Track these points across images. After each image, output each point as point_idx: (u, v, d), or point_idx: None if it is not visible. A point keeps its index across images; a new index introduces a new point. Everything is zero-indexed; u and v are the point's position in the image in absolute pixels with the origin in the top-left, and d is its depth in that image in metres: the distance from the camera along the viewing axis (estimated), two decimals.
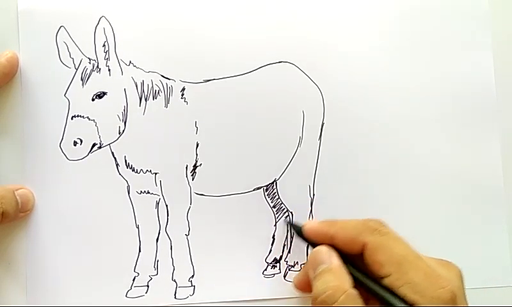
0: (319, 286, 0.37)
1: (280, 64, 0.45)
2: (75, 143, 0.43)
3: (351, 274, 0.37)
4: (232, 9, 0.45)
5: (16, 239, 0.44)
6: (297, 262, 0.45)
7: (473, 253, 0.45)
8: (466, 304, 0.37)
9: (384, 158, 0.45)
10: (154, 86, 0.44)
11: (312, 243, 0.40)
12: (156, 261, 0.44)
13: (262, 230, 0.45)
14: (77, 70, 0.44)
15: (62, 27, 0.44)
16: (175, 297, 0.44)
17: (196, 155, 0.44)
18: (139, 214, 0.44)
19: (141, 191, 0.44)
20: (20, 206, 0.42)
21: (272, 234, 0.45)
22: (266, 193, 0.45)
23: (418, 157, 0.45)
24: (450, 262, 0.38)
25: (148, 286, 0.44)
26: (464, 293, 0.37)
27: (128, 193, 0.44)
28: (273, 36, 0.45)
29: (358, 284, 0.37)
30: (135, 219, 0.44)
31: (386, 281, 0.36)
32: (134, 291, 0.44)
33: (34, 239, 0.44)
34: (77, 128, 0.44)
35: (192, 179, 0.44)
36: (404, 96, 0.46)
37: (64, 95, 0.44)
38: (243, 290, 0.44)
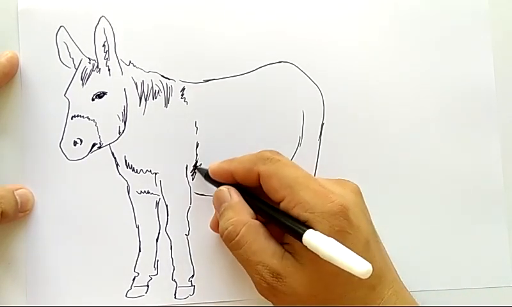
0: (222, 223, 0.39)
1: (280, 64, 0.45)
2: (75, 143, 0.43)
3: (253, 206, 0.39)
4: (232, 9, 0.45)
5: (16, 239, 0.44)
6: None
7: (473, 253, 0.45)
8: (365, 219, 0.38)
9: (384, 158, 0.45)
10: (154, 86, 0.44)
11: (219, 184, 0.41)
12: (156, 261, 0.44)
13: None
14: (77, 70, 0.44)
15: (62, 27, 0.44)
16: (175, 297, 0.44)
17: (196, 155, 0.44)
18: (139, 214, 0.44)
19: (141, 191, 0.44)
20: (19, 206, 0.42)
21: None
22: None
23: (418, 156, 0.45)
24: (346, 180, 0.39)
25: (148, 286, 0.44)
26: (361, 210, 0.38)
27: (128, 193, 0.44)
28: (273, 36, 0.45)
29: (260, 215, 0.39)
30: (135, 219, 0.44)
31: (282, 205, 0.37)
32: (134, 291, 0.44)
33: (34, 239, 0.44)
34: (77, 128, 0.44)
35: (192, 179, 0.44)
36: (404, 96, 0.46)
37: (64, 95, 0.44)
38: (243, 290, 0.44)
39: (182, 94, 0.44)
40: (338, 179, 0.40)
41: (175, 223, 0.44)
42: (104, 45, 0.44)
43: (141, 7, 0.45)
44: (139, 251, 0.44)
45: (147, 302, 0.44)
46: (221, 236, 0.39)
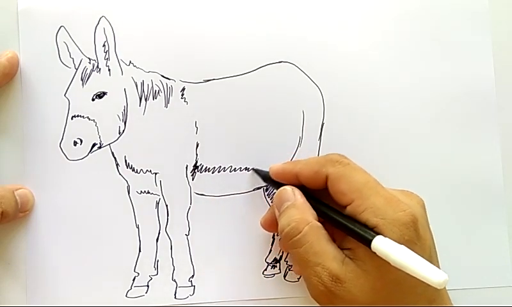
0: (283, 220, 0.38)
1: (280, 64, 0.45)
2: (75, 143, 0.43)
3: (316, 209, 0.39)
4: (232, 9, 0.45)
5: (16, 239, 0.44)
6: None
7: (473, 253, 0.45)
8: (429, 232, 0.37)
9: (384, 158, 0.45)
10: (154, 86, 0.44)
11: (279, 185, 0.41)
12: (156, 261, 0.44)
13: (262, 230, 0.45)
14: (77, 70, 0.44)
15: (62, 27, 0.44)
16: (175, 297, 0.44)
17: (196, 155, 0.44)
18: (139, 214, 0.44)
19: (141, 191, 0.44)
20: (19, 206, 0.42)
21: (272, 234, 0.45)
22: (266, 193, 0.45)
23: (418, 156, 0.45)
24: (412, 192, 0.39)
25: (148, 286, 0.44)
26: (427, 222, 0.38)
27: (128, 193, 0.44)
28: (273, 36, 0.45)
29: (323, 218, 0.38)
30: (135, 219, 0.44)
31: (349, 209, 0.37)
32: (134, 291, 0.44)
33: (34, 239, 0.44)
34: (77, 128, 0.44)
35: (192, 179, 0.44)
36: (404, 96, 0.46)
37: (64, 95, 0.44)
38: (243, 290, 0.44)
39: (182, 94, 0.44)
40: (404, 190, 0.39)
41: (175, 223, 0.44)
42: (104, 45, 0.44)
43: (141, 7, 0.45)
44: (139, 251, 0.44)
45: (147, 302, 0.44)
46: (280, 234, 0.39)
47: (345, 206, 0.37)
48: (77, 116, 0.44)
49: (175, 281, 0.44)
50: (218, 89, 0.45)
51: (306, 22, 0.45)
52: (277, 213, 0.40)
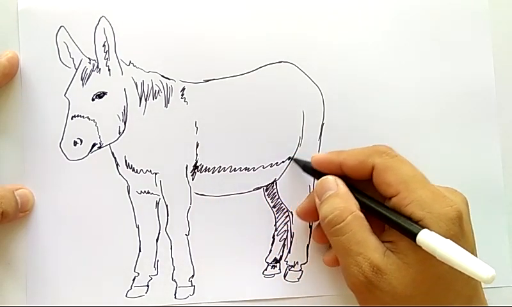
0: (326, 208, 0.38)
1: (280, 64, 0.45)
2: (75, 143, 0.43)
3: (358, 200, 0.39)
4: (232, 9, 0.45)
5: (16, 239, 0.44)
6: (297, 262, 0.45)
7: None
8: (471, 229, 0.38)
9: None
10: (154, 86, 0.44)
11: (320, 175, 0.41)
12: (156, 261, 0.44)
13: (262, 230, 0.45)
14: (77, 70, 0.44)
15: (62, 27, 0.44)
16: (175, 297, 0.44)
17: (196, 155, 0.44)
18: (139, 214, 0.44)
19: (141, 191, 0.44)
20: (19, 206, 0.42)
21: (272, 234, 0.45)
22: (266, 193, 0.45)
23: (418, 156, 0.45)
24: (456, 189, 0.39)
25: (148, 286, 0.44)
26: (469, 220, 0.38)
27: (128, 193, 0.44)
28: (273, 36, 0.45)
29: (365, 209, 0.38)
30: (135, 219, 0.44)
31: (394, 200, 0.37)
32: (134, 291, 0.44)
33: (34, 239, 0.44)
34: (77, 128, 0.44)
35: (192, 179, 0.44)
36: (404, 96, 0.46)
37: (64, 95, 0.44)
38: (243, 290, 0.44)
39: (182, 94, 0.44)
40: (448, 187, 0.39)
41: (175, 223, 0.44)
42: (104, 45, 0.44)
43: (141, 7, 0.45)
44: (139, 251, 0.44)
45: (147, 302, 0.44)
46: (322, 221, 0.39)
47: (389, 198, 0.37)
48: (77, 116, 0.44)
49: (175, 281, 0.44)
50: (218, 89, 0.45)
51: (306, 22, 0.45)
52: (318, 201, 0.40)
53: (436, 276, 0.35)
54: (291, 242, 0.45)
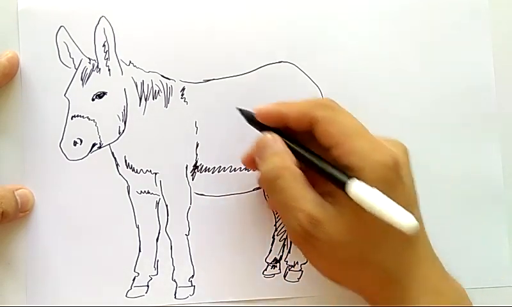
0: (264, 166, 0.39)
1: (280, 64, 0.45)
2: (75, 143, 0.43)
3: (297, 154, 0.39)
4: (231, 9, 0.45)
5: (16, 239, 0.44)
6: (297, 262, 0.45)
7: (473, 253, 0.45)
8: (411, 180, 0.38)
9: None
10: (154, 86, 0.44)
11: (264, 127, 0.41)
12: (156, 261, 0.44)
13: (262, 230, 0.45)
14: (77, 70, 0.44)
15: (62, 27, 0.44)
16: (175, 297, 0.44)
17: (196, 155, 0.44)
18: (139, 214, 0.44)
19: (141, 191, 0.44)
20: (19, 206, 0.42)
21: (272, 234, 0.45)
22: (266, 193, 0.45)
23: (418, 156, 0.45)
24: (397, 140, 0.40)
25: (148, 286, 0.44)
26: (409, 170, 0.38)
27: (128, 193, 0.44)
28: (273, 36, 0.45)
29: (303, 162, 0.39)
30: (135, 219, 0.44)
31: (334, 152, 0.37)
32: (134, 291, 0.44)
33: (34, 239, 0.44)
34: (77, 128, 0.44)
35: (192, 179, 0.44)
36: (404, 96, 0.46)
37: (64, 95, 0.44)
38: (243, 290, 0.44)
39: (182, 94, 0.44)
40: (391, 138, 0.40)
41: (175, 223, 0.44)
42: (104, 45, 0.44)
43: (141, 7, 0.45)
44: (139, 251, 0.44)
45: (147, 302, 0.44)
46: (260, 179, 0.39)
47: (329, 150, 0.38)
48: (77, 116, 0.44)
49: (175, 281, 0.44)
50: (218, 89, 0.45)
51: (306, 22, 0.45)
52: (258, 160, 0.40)
53: (371, 222, 0.35)
54: (291, 242, 0.45)
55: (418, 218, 0.38)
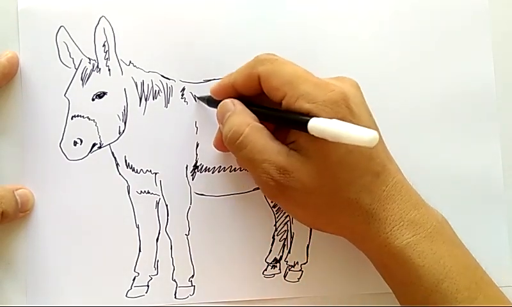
0: (226, 128, 0.39)
1: None
2: (75, 143, 0.43)
3: (256, 113, 0.39)
4: (232, 10, 0.45)
5: (16, 239, 0.44)
6: (297, 262, 0.45)
7: (474, 253, 0.45)
8: (365, 111, 0.38)
9: None
10: (154, 86, 0.44)
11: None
12: (156, 261, 0.44)
13: (262, 230, 0.45)
14: (77, 70, 0.44)
15: (62, 27, 0.44)
16: (175, 297, 0.44)
17: (196, 155, 0.44)
18: (139, 214, 0.44)
19: (141, 191, 0.44)
20: (19, 206, 0.43)
21: (272, 234, 0.45)
22: None
23: (418, 156, 0.45)
24: (344, 76, 0.40)
25: (148, 286, 0.44)
26: (361, 102, 0.39)
27: (128, 193, 0.44)
28: (273, 36, 0.45)
29: (264, 120, 0.39)
30: (135, 219, 0.44)
31: (284, 103, 0.38)
32: (134, 291, 0.44)
33: (34, 239, 0.44)
34: (77, 128, 0.44)
35: (193, 179, 0.44)
36: (404, 97, 0.46)
37: (64, 95, 0.44)
38: (243, 290, 0.44)
39: (182, 95, 0.44)
40: (338, 76, 0.40)
41: (175, 223, 0.44)
42: (104, 45, 0.44)
43: (141, 7, 0.45)
44: (139, 251, 0.44)
45: (147, 302, 0.44)
46: (225, 141, 0.39)
47: (280, 103, 0.38)
48: (77, 116, 0.44)
49: (175, 281, 0.44)
50: None
51: (306, 22, 0.45)
52: (221, 126, 0.41)
53: (338, 160, 0.36)
54: (291, 242, 0.45)
55: (381, 147, 0.38)
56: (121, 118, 0.44)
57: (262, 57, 0.40)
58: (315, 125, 0.35)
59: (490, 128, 0.46)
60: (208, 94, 0.43)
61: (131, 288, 0.44)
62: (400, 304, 0.38)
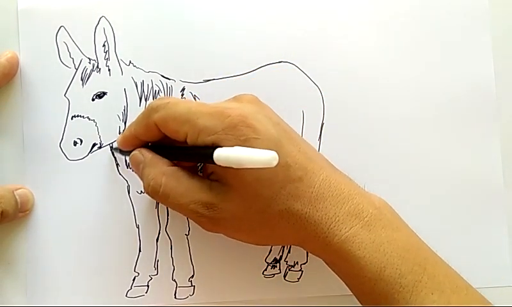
0: (144, 182, 0.39)
1: (280, 64, 0.45)
2: (75, 143, 0.43)
3: (168, 156, 0.40)
4: (231, 9, 0.45)
5: (16, 239, 0.44)
6: (297, 262, 0.45)
7: (473, 253, 0.45)
8: (271, 123, 0.38)
9: (383, 159, 0.45)
10: (154, 86, 0.44)
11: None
12: (156, 261, 0.44)
13: None
14: (77, 70, 0.44)
15: (62, 27, 0.44)
16: (175, 297, 0.44)
17: None
18: (139, 214, 0.44)
19: (141, 191, 0.44)
20: (19, 206, 0.42)
21: None
22: None
23: (418, 156, 0.45)
24: (244, 94, 0.40)
25: (148, 286, 0.44)
26: (263, 115, 0.38)
27: (129, 193, 0.44)
28: (273, 36, 0.45)
29: (176, 161, 0.40)
30: (135, 219, 0.44)
31: (188, 141, 0.38)
32: (134, 291, 0.44)
33: (34, 239, 0.44)
34: (77, 128, 0.44)
35: None
36: (404, 96, 0.46)
37: (64, 95, 0.44)
38: (243, 290, 0.44)
39: (182, 95, 0.44)
40: (236, 96, 0.40)
41: (175, 223, 0.44)
42: (104, 45, 0.44)
43: (141, 7, 0.45)
44: (139, 251, 0.44)
45: (147, 302, 0.44)
46: (148, 195, 0.39)
47: (185, 142, 0.38)
48: (77, 116, 0.44)
49: (175, 281, 0.44)
50: (218, 89, 0.45)
51: (306, 22, 0.45)
52: (138, 178, 0.41)
53: (255, 179, 0.36)
54: None
55: (296, 150, 0.37)
56: (121, 118, 0.44)
57: (155, 104, 0.39)
58: (220, 154, 0.35)
59: (490, 128, 0.46)
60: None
61: (131, 288, 0.44)
62: (357, 298, 0.38)
